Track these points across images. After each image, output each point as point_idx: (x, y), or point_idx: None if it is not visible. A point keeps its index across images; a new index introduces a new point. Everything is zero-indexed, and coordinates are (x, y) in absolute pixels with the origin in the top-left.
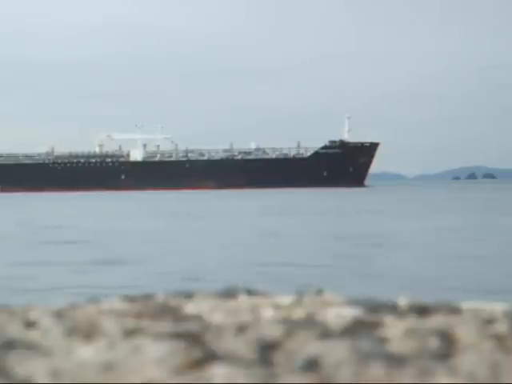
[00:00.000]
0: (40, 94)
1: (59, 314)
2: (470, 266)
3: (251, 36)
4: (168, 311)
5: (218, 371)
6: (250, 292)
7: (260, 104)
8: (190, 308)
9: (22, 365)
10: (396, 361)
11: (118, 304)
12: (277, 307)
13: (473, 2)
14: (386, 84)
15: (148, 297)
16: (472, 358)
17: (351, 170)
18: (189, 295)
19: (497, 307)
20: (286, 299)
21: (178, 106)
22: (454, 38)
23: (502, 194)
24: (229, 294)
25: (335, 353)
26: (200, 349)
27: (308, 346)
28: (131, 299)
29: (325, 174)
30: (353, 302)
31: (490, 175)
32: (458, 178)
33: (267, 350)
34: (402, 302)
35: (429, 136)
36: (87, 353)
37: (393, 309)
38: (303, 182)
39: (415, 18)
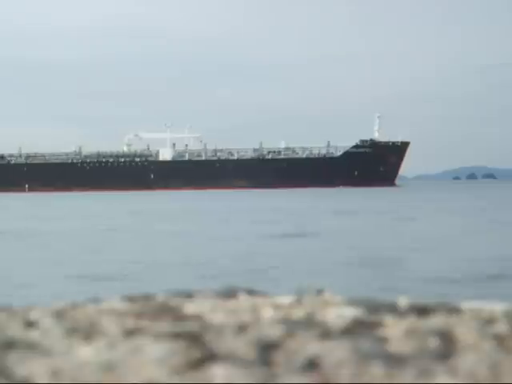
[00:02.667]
0: (40, 94)
1: (59, 314)
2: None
3: (261, 35)
4: (168, 311)
5: (217, 371)
6: (250, 292)
7: (279, 104)
8: (190, 308)
9: (22, 365)
10: (396, 361)
11: (117, 304)
12: (277, 307)
13: (473, 1)
14: (385, 84)
15: (148, 297)
16: (472, 358)
17: (382, 169)
18: (189, 295)
19: (497, 307)
20: (286, 299)
21: (178, 106)
22: (454, 37)
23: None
24: (229, 293)
25: (335, 353)
26: (200, 349)
27: (308, 345)
28: (131, 299)
29: (356, 173)
30: (353, 302)
31: (490, 175)
32: (457, 178)
33: (267, 350)
34: (402, 302)
35: (429, 136)
36: (87, 353)
37: (393, 309)
38: (334, 182)
39: (415, 18)
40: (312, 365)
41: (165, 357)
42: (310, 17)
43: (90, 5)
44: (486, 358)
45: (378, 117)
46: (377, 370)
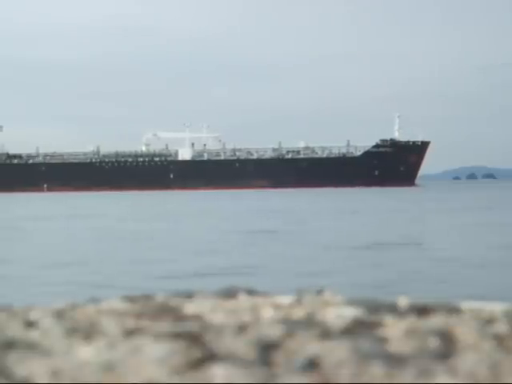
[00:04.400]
0: (40, 94)
1: (59, 314)
2: None
3: (259, 35)
4: (168, 311)
5: (217, 371)
6: (250, 292)
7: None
8: (190, 308)
9: (21, 365)
10: (396, 361)
11: (118, 304)
12: (277, 307)
13: (473, 1)
14: (385, 84)
15: (148, 297)
16: (472, 357)
17: (402, 169)
18: (189, 295)
19: (497, 307)
20: (286, 299)
21: (178, 106)
22: (455, 37)
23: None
24: (229, 293)
25: (335, 353)
26: (200, 349)
27: (308, 345)
28: (131, 299)
29: (376, 173)
30: (353, 302)
31: (490, 175)
32: (457, 178)
33: (267, 350)
34: (402, 302)
35: (429, 136)
36: (87, 353)
37: (393, 309)
38: (354, 182)
39: (415, 18)
40: (312, 365)
41: (165, 357)
42: (309, 17)
43: (89, 4)
44: (486, 358)
45: (398, 116)
46: (377, 370)
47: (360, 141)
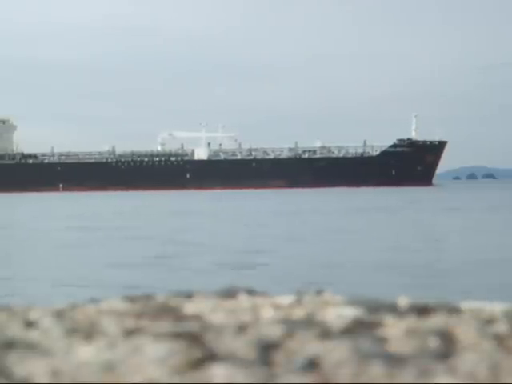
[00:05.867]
0: (40, 94)
1: (59, 314)
2: None
3: (258, 35)
4: (168, 311)
5: (217, 371)
6: (250, 292)
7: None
8: (190, 308)
9: (21, 365)
10: (396, 361)
11: (118, 304)
12: (277, 307)
13: (473, 1)
14: (384, 84)
15: (148, 297)
16: (472, 357)
17: (419, 168)
18: (189, 295)
19: (497, 307)
20: (286, 299)
21: (180, 105)
22: (455, 37)
23: None
24: (229, 293)
25: (335, 353)
26: (200, 349)
27: (308, 345)
28: (131, 299)
29: (393, 172)
30: (353, 302)
31: (489, 175)
32: (457, 178)
33: (267, 350)
34: (402, 302)
35: (429, 136)
36: (87, 353)
37: (393, 309)
38: (371, 181)
39: (415, 18)
40: (312, 365)
41: (165, 357)
42: (308, 17)
43: (90, 4)
44: (486, 358)
45: (415, 116)
46: (377, 370)
47: (371, 140)
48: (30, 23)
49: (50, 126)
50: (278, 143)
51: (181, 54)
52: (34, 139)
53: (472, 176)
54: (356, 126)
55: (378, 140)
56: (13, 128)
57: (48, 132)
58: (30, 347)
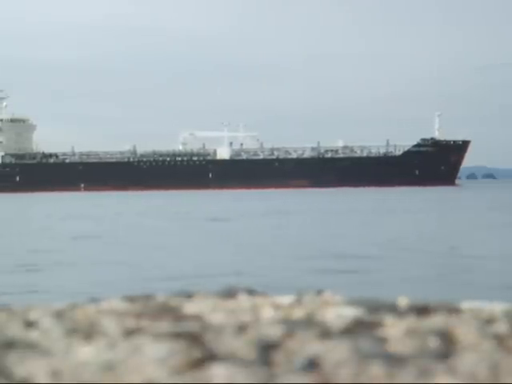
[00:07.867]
0: (40, 94)
1: (59, 314)
2: None
3: (258, 35)
4: (168, 311)
5: (217, 371)
6: (250, 292)
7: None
8: (190, 308)
9: (21, 365)
10: (396, 361)
11: (118, 304)
12: (277, 307)
13: (473, 1)
14: (384, 84)
15: (148, 297)
16: (472, 357)
17: (443, 168)
18: (189, 295)
19: (497, 307)
20: (286, 299)
21: (180, 106)
22: (454, 37)
23: None
24: (229, 293)
25: (335, 353)
26: (200, 349)
27: (308, 346)
28: (131, 299)
29: (417, 172)
30: (353, 302)
31: (489, 175)
32: (457, 178)
33: (267, 350)
34: (402, 302)
35: (428, 136)
36: (87, 353)
37: (393, 309)
38: (394, 181)
39: (415, 18)
40: (312, 365)
41: (165, 357)
42: (308, 16)
43: (90, 4)
44: (486, 358)
45: (438, 115)
46: (377, 370)
47: (394, 140)
48: (30, 23)
49: (50, 125)
50: (297, 143)
51: (182, 54)
52: (34, 139)
53: (472, 176)
54: (356, 125)
55: (399, 139)
56: (32, 127)
57: (48, 132)
58: (30, 347)
